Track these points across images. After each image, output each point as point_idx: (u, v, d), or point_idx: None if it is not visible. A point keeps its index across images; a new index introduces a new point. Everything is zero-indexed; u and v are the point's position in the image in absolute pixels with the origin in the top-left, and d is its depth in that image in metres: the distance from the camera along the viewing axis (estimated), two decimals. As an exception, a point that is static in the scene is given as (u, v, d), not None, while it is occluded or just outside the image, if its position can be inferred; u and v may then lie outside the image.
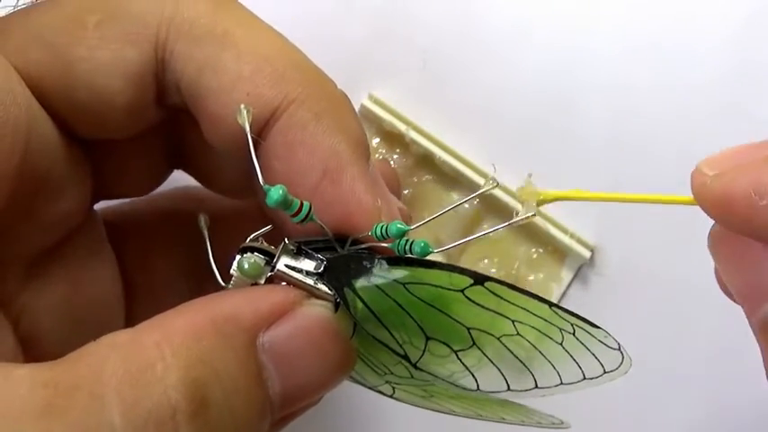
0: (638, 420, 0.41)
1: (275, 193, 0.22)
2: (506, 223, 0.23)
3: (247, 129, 0.23)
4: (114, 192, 0.31)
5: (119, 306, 0.30)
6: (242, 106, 0.23)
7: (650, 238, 0.41)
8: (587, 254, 0.40)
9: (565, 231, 0.40)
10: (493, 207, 0.41)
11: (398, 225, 0.23)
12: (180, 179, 0.33)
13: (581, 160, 0.41)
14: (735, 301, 0.24)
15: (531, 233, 0.41)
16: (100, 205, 0.31)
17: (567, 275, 0.41)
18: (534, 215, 0.22)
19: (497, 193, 0.40)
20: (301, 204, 0.23)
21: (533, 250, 0.41)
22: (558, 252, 0.41)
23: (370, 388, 0.27)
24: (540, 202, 0.23)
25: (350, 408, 0.41)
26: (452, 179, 0.41)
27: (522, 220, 0.22)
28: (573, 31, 0.42)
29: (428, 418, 0.30)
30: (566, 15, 0.42)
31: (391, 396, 0.28)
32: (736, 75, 0.41)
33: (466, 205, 0.41)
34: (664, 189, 0.40)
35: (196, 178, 0.32)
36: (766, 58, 0.41)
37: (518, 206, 0.39)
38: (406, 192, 0.41)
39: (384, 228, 0.23)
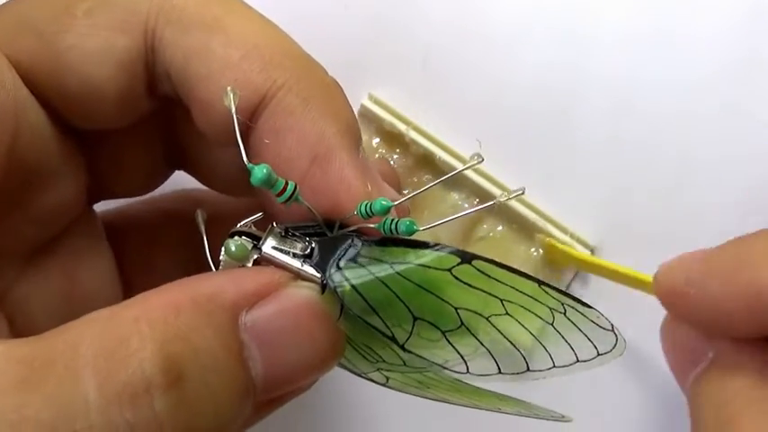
0: (640, 420, 0.40)
1: (259, 171, 0.22)
2: (491, 202, 0.23)
3: (233, 111, 0.23)
4: (112, 189, 0.31)
5: (115, 303, 0.30)
6: (228, 89, 0.23)
7: (650, 238, 0.41)
8: (587, 254, 0.40)
9: (565, 231, 0.40)
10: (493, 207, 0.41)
11: (383, 202, 0.23)
12: (180, 181, 0.33)
13: (583, 158, 0.41)
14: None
15: (531, 233, 0.41)
16: (100, 206, 0.31)
17: (567, 275, 0.41)
18: (522, 193, 0.22)
19: (498, 192, 0.40)
20: (286, 184, 0.23)
21: (533, 250, 0.41)
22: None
23: (361, 375, 0.27)
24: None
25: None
26: (452, 179, 0.41)
27: (510, 197, 0.22)
28: (574, 27, 0.41)
29: (423, 410, 0.30)
30: (567, 11, 0.42)
31: (384, 384, 0.27)
32: (739, 69, 0.41)
33: (465, 204, 0.41)
34: (665, 184, 0.40)
35: (194, 176, 0.32)
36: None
37: (519, 206, 0.39)
38: (405, 192, 0.41)
39: (368, 205, 0.23)
